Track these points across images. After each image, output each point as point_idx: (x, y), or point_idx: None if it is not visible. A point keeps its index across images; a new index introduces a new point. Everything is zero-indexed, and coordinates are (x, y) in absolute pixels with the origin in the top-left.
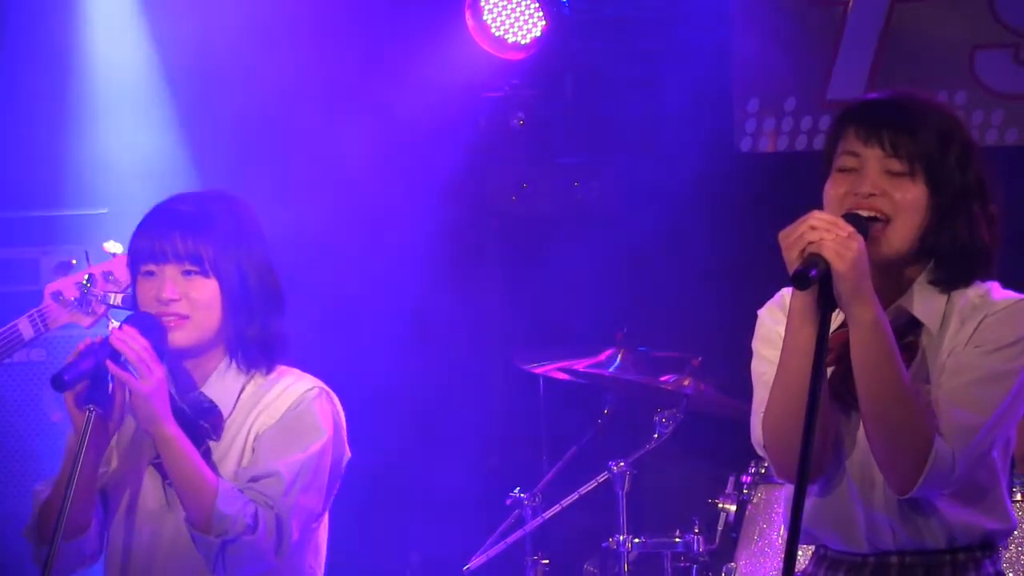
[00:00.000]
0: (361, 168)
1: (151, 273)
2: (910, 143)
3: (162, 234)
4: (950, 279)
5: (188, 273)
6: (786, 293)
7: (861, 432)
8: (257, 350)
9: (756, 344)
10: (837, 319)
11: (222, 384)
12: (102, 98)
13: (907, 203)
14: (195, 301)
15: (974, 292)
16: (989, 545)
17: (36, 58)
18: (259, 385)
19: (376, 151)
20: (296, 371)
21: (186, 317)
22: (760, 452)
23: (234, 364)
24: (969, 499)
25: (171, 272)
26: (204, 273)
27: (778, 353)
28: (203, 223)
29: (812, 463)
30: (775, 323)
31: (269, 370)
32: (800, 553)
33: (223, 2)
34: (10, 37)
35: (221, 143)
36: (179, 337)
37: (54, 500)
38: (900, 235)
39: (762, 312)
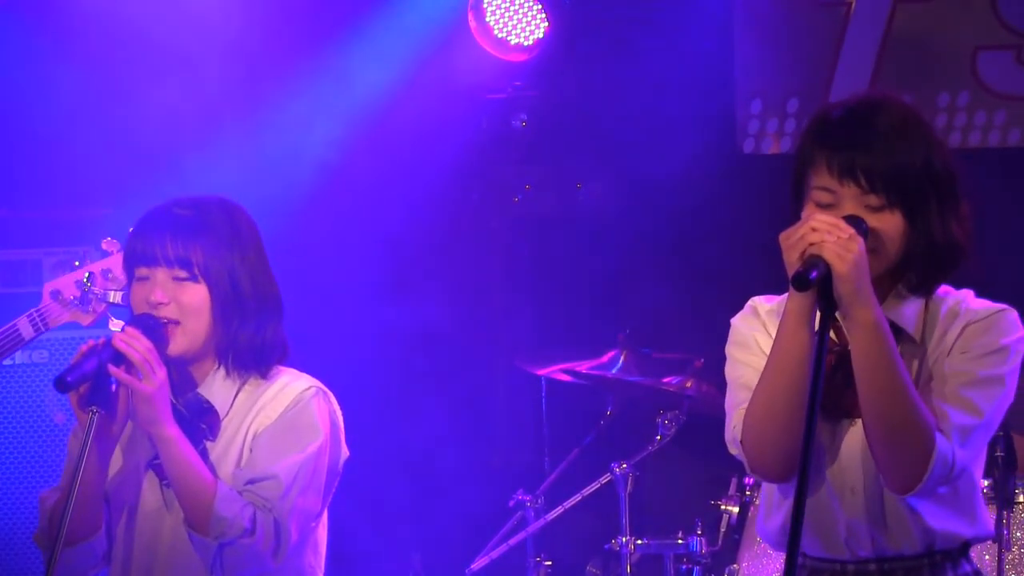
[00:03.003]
0: (364, 169)
1: (144, 277)
2: (883, 174)
3: (154, 238)
4: (926, 281)
5: (178, 278)
6: (756, 302)
7: (842, 439)
8: (249, 356)
9: (730, 350)
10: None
11: (214, 388)
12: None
13: (888, 233)
14: (184, 306)
15: (952, 300)
16: (966, 547)
17: (39, 57)
18: (256, 386)
19: (379, 152)
20: (293, 371)
21: (175, 322)
22: (733, 450)
23: (224, 369)
24: (951, 506)
25: (161, 276)
26: (194, 278)
27: (754, 357)
28: (194, 228)
29: (789, 464)
30: (751, 329)
31: (264, 373)
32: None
33: (226, 3)
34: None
35: (223, 145)
36: (169, 342)
37: (60, 504)
38: (884, 262)
39: (735, 320)
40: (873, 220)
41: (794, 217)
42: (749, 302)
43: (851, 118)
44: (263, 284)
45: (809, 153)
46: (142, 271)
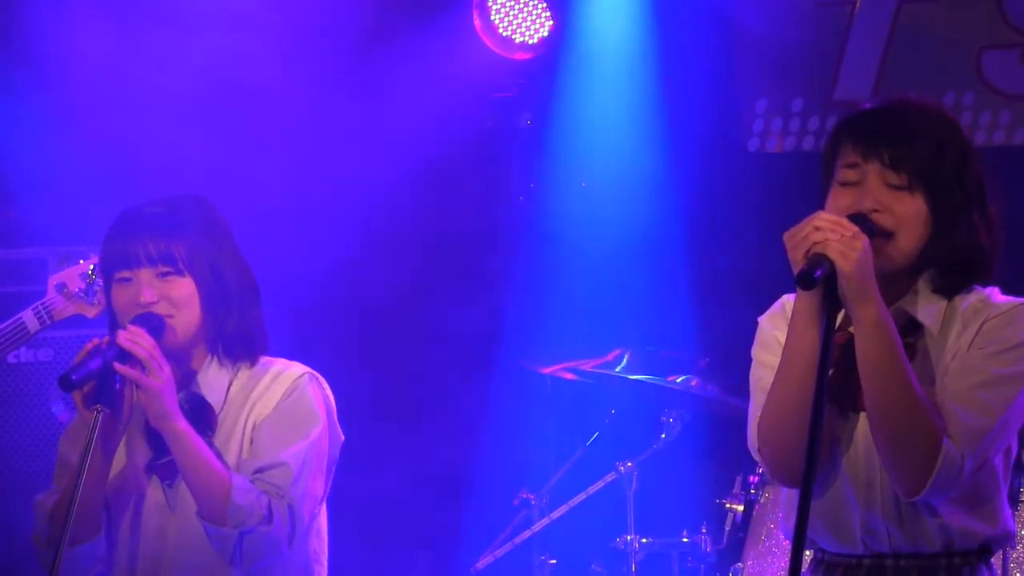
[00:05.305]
0: (369, 169)
1: (126, 279)
2: (909, 157)
3: (133, 239)
4: (950, 286)
5: (163, 275)
6: (786, 300)
7: (858, 434)
8: (238, 344)
9: (756, 351)
10: (836, 321)
11: (209, 380)
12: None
13: (908, 217)
14: (174, 300)
15: (975, 296)
16: (986, 551)
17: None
18: (247, 377)
19: (384, 152)
20: (282, 359)
21: (169, 317)
22: (756, 457)
23: (216, 360)
24: (969, 505)
25: (146, 276)
26: (179, 272)
27: (775, 359)
28: (172, 224)
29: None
30: (774, 329)
31: (253, 362)
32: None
33: (232, 6)
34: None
35: (229, 147)
36: (167, 337)
37: (63, 504)
38: (902, 249)
39: (762, 319)
40: (892, 199)
41: (820, 208)
42: (779, 299)
43: (883, 108)
44: (242, 273)
45: (837, 138)
46: (124, 274)
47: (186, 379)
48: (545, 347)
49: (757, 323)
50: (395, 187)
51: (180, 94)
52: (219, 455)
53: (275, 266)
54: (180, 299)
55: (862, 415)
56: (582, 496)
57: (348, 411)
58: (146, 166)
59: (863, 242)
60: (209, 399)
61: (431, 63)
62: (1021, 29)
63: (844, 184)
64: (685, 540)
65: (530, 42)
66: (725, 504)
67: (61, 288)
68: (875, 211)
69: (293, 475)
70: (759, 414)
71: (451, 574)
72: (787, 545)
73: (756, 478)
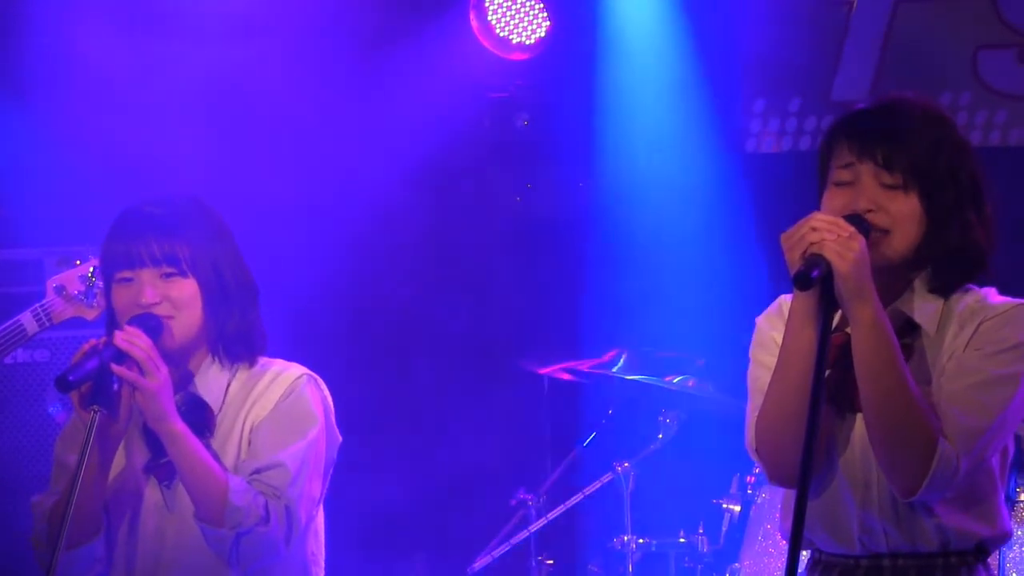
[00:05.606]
0: (367, 169)
1: (128, 279)
2: (902, 156)
3: (136, 239)
4: (946, 284)
5: (167, 275)
6: (783, 300)
7: (855, 434)
8: (238, 344)
9: (753, 351)
10: (834, 322)
11: (208, 381)
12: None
13: (903, 216)
14: (176, 301)
15: (972, 297)
16: (983, 551)
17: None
18: (246, 377)
19: (382, 152)
20: (280, 360)
21: (170, 318)
22: (753, 457)
23: (216, 361)
24: (966, 505)
25: (149, 276)
26: (182, 273)
27: (772, 359)
28: (174, 224)
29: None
30: (771, 329)
31: (252, 363)
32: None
33: (229, 8)
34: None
35: (227, 148)
36: (165, 338)
37: (61, 505)
38: (896, 248)
39: (760, 319)
40: (887, 198)
41: (817, 208)
42: (777, 300)
43: (877, 108)
44: (242, 273)
45: (832, 138)
46: (125, 274)
47: (184, 380)
48: (542, 347)
49: (754, 323)
50: (392, 187)
51: (179, 95)
52: (216, 456)
53: (275, 267)
54: (182, 300)
55: (859, 415)
56: (579, 496)
57: (346, 412)
58: (146, 167)
59: (860, 242)
60: (207, 400)
61: (428, 64)
62: (1017, 28)
63: (839, 184)
64: (682, 540)
65: (527, 43)
66: (722, 504)
67: (60, 290)
68: (869, 211)
69: (291, 476)
70: (756, 414)
71: (448, 575)
72: (784, 545)
73: (753, 478)
